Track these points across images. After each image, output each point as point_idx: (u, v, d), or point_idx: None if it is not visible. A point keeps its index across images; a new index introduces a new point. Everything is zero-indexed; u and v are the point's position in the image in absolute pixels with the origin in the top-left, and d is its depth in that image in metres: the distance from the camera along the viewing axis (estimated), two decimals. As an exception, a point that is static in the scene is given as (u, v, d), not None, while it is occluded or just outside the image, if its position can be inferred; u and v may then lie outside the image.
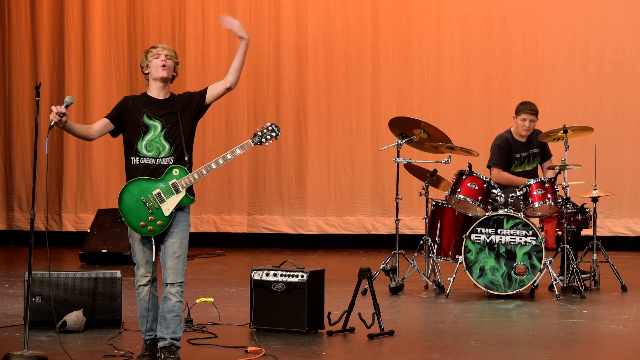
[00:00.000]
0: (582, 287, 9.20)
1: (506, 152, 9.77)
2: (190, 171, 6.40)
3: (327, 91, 13.50)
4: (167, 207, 6.35)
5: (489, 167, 9.85)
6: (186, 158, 6.40)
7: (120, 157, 13.00)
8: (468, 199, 9.36)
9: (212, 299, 8.10)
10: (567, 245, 9.34)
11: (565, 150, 9.45)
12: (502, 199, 9.39)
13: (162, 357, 6.37)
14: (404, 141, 9.76)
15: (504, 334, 7.61)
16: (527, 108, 9.74)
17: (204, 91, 6.50)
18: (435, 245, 9.61)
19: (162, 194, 6.34)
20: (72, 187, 14.04)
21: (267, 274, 7.62)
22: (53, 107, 6.24)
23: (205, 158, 12.46)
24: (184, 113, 6.44)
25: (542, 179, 9.31)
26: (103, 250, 11.85)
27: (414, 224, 12.96)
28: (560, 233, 9.43)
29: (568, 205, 9.40)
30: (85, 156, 13.99)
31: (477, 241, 9.24)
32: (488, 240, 9.23)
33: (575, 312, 8.51)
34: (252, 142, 6.47)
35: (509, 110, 10.25)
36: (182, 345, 6.55)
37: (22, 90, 14.18)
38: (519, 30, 13.00)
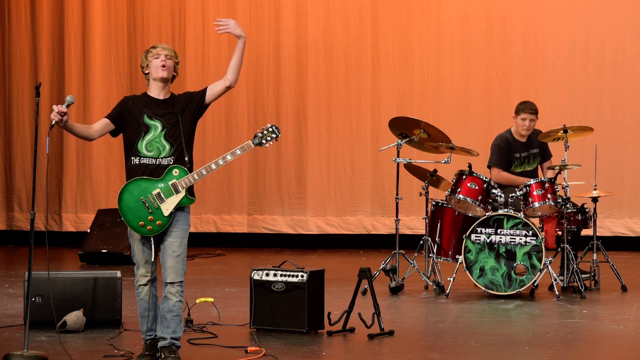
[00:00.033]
0: (582, 287, 9.20)
1: (506, 152, 9.77)
2: (191, 171, 6.40)
3: (327, 91, 13.50)
4: (167, 207, 6.35)
5: (489, 167, 9.85)
6: (186, 158, 6.40)
7: (120, 157, 12.99)
8: (468, 199, 9.36)
9: (212, 299, 8.10)
10: (567, 245, 9.34)
11: (565, 150, 9.45)
12: (502, 199, 9.39)
13: (163, 356, 6.37)
14: (404, 141, 9.76)
15: (504, 334, 7.61)
16: (527, 107, 9.74)
17: (204, 91, 6.50)
18: (435, 245, 9.61)
19: (161, 194, 6.34)
20: (72, 187, 14.04)
21: (267, 274, 7.62)
22: (54, 107, 6.24)
23: (205, 158, 12.46)
24: (184, 113, 6.44)
25: (542, 179, 9.31)
26: (103, 250, 11.85)
27: (414, 224, 12.96)
28: (560, 233, 9.43)
29: (568, 205, 9.40)
30: (85, 156, 14.00)
31: (477, 241, 9.24)
32: (488, 240, 9.23)
33: (575, 312, 8.51)
34: (253, 143, 6.48)
35: (509, 110, 10.26)
36: (182, 345, 6.55)
37: (22, 90, 14.18)
38: (519, 30, 13.00)
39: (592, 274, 9.63)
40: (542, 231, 9.29)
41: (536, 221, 9.42)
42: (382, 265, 9.38)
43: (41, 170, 13.26)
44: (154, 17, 13.85)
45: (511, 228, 9.18)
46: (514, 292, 9.11)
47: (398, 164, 9.79)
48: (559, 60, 12.92)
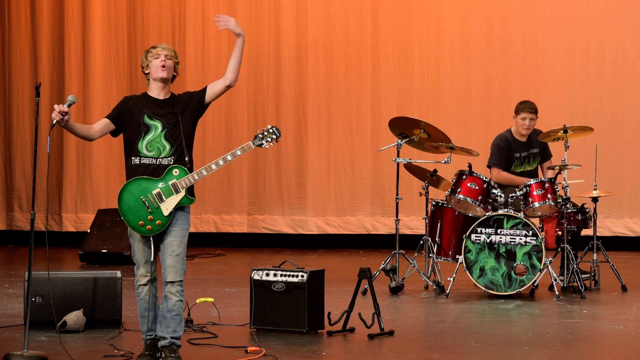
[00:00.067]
0: (582, 287, 9.20)
1: (506, 152, 9.77)
2: (191, 171, 6.41)
3: (327, 91, 13.50)
4: (167, 207, 6.35)
5: (489, 166, 9.85)
6: (186, 158, 6.40)
7: (120, 157, 12.99)
8: (468, 199, 9.35)
9: (212, 299, 8.10)
10: (567, 245, 9.34)
11: (565, 150, 9.45)
12: (502, 199, 9.39)
13: (163, 356, 6.37)
14: (404, 141, 9.76)
15: (504, 334, 7.61)
16: (527, 107, 9.75)
17: (204, 90, 6.51)
18: (435, 245, 9.61)
19: (161, 194, 6.35)
20: (72, 187, 14.04)
21: (267, 274, 7.62)
22: (55, 106, 6.24)
23: (205, 158, 12.46)
24: (184, 113, 6.44)
25: (542, 179, 9.31)
26: (103, 250, 11.85)
27: (414, 224, 12.96)
28: (560, 233, 9.43)
29: (568, 205, 9.40)
30: (85, 156, 14.00)
31: (477, 241, 9.24)
32: (488, 240, 9.23)
33: (575, 312, 8.51)
34: (253, 144, 6.49)
35: (509, 110, 10.26)
36: (182, 345, 6.55)
37: (22, 90, 14.18)
38: (519, 30, 13.00)
39: (592, 274, 9.63)
40: (542, 231, 9.29)
41: (536, 221, 9.41)
42: (382, 265, 9.38)
43: (41, 170, 13.25)
44: (154, 17, 13.85)
45: (511, 228, 9.18)
46: (514, 292, 9.11)
47: (398, 164, 9.79)
48: (559, 60, 12.92)
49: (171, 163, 6.38)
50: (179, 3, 13.79)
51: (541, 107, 10.32)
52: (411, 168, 9.91)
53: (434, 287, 9.46)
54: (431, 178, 9.79)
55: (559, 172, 9.38)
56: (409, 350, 6.98)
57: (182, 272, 6.39)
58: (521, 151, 9.81)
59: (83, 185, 14.02)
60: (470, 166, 9.50)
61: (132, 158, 6.40)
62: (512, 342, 7.31)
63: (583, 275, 9.44)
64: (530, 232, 9.13)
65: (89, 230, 12.24)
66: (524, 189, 9.31)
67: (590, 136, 9.91)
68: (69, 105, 6.30)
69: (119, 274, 7.81)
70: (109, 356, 6.75)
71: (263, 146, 6.50)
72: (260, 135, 6.52)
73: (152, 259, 6.42)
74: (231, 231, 13.78)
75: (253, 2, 13.64)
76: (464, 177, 9.42)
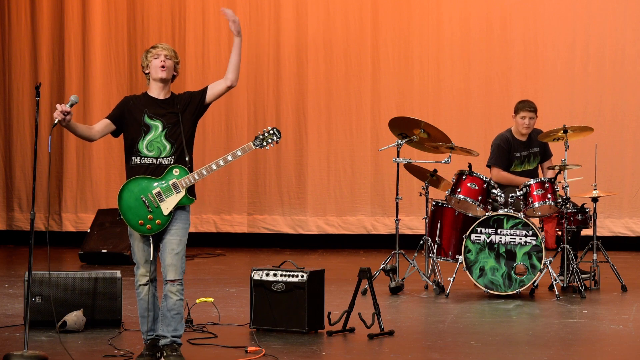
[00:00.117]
0: (582, 287, 9.20)
1: (506, 151, 9.76)
2: (191, 171, 6.41)
3: (327, 91, 13.50)
4: (167, 207, 6.36)
5: (489, 166, 9.84)
6: (187, 158, 6.40)
7: (120, 157, 13.00)
8: (468, 199, 9.35)
9: (212, 299, 8.10)
10: (567, 245, 9.34)
11: (565, 150, 9.45)
12: (502, 199, 9.39)
13: (165, 355, 6.38)
14: (404, 141, 9.76)
15: (504, 334, 7.61)
16: (526, 106, 9.75)
17: (204, 90, 6.51)
18: (435, 245, 9.61)
19: (161, 193, 6.35)
20: (72, 187, 14.04)
21: (267, 274, 7.62)
22: (58, 105, 6.24)
23: (205, 158, 12.46)
24: (184, 113, 6.45)
25: (542, 179, 9.31)
26: (103, 250, 11.85)
27: (414, 224, 12.96)
28: (560, 233, 9.43)
29: (568, 205, 9.41)
30: (85, 156, 13.99)
31: (477, 241, 9.24)
32: (488, 240, 9.23)
33: (575, 312, 8.51)
34: (254, 144, 6.49)
35: (509, 110, 10.25)
36: (182, 345, 6.54)
37: (22, 90, 14.18)
38: (519, 30, 13.00)
39: (592, 274, 9.63)
40: (542, 231, 9.29)
41: (536, 221, 9.41)
42: (382, 265, 9.38)
43: (41, 170, 13.27)
44: (154, 17, 13.85)
45: (511, 228, 9.18)
46: (514, 292, 9.11)
47: (398, 164, 9.79)
48: (559, 60, 12.92)
49: (171, 163, 6.39)
50: (179, 3, 13.79)
51: (541, 107, 10.32)
52: (411, 168, 9.91)
53: (434, 287, 9.46)
54: (431, 178, 9.79)
55: (559, 172, 9.38)
56: (409, 350, 6.98)
57: (182, 270, 6.40)
58: (521, 150, 9.81)
59: (83, 185, 14.02)
60: (470, 166, 9.50)
61: (133, 158, 6.40)
62: (512, 342, 7.31)
63: (583, 275, 9.45)
64: (530, 232, 9.13)
65: (89, 230, 12.24)
66: (524, 189, 9.31)
67: (590, 136, 9.91)
68: (71, 105, 6.30)
69: (119, 274, 7.81)
70: (109, 356, 6.75)
71: (264, 147, 6.51)
72: (261, 137, 6.52)
73: (151, 259, 6.43)
74: (231, 231, 13.78)
75: (253, 2, 13.64)
76: (464, 177, 9.42)
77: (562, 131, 9.42)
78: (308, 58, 13.50)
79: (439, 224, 9.66)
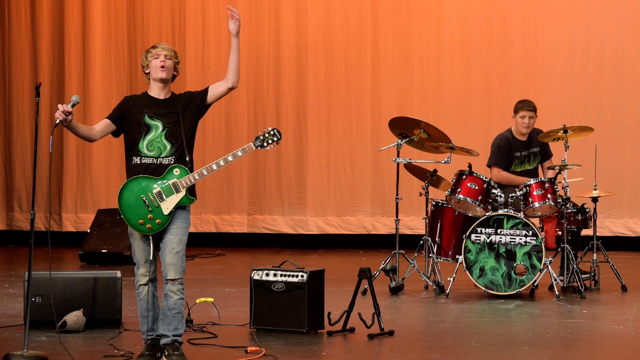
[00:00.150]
0: (582, 287, 9.20)
1: (506, 151, 9.77)
2: (192, 171, 6.41)
3: (327, 91, 13.50)
4: (167, 206, 6.36)
5: (489, 166, 9.85)
6: (187, 158, 6.40)
7: (121, 157, 13.00)
8: (468, 199, 9.36)
9: (212, 299, 8.10)
10: (567, 245, 9.34)
11: (565, 150, 9.45)
12: (502, 199, 9.39)
13: (167, 354, 6.38)
14: (404, 141, 9.76)
15: (504, 334, 7.61)
16: (525, 105, 9.76)
17: (205, 91, 6.51)
18: (435, 245, 9.61)
19: (162, 193, 6.35)
20: (72, 187, 14.04)
21: (267, 274, 7.62)
22: (59, 105, 6.24)
23: (205, 158, 12.46)
24: (185, 113, 6.45)
25: (542, 179, 9.31)
26: (103, 250, 11.85)
27: (414, 224, 12.96)
28: (560, 233, 9.43)
29: (568, 205, 9.41)
30: (85, 156, 13.99)
31: (477, 241, 9.24)
32: (488, 240, 9.23)
33: (575, 312, 8.51)
34: (254, 145, 6.50)
35: (509, 110, 10.25)
36: (182, 345, 6.54)
37: (22, 90, 14.18)
38: (519, 30, 13.01)
39: (592, 274, 9.63)
40: (542, 231, 9.29)
41: (536, 221, 9.42)
42: (382, 265, 9.38)
43: (41, 170, 13.27)
44: (154, 17, 13.85)
45: (511, 228, 9.18)
46: (514, 292, 9.11)
47: (398, 164, 9.79)
48: (559, 60, 12.92)
49: (172, 163, 6.39)
50: (179, 3, 13.80)
51: (541, 107, 10.32)
52: (411, 168, 9.91)
53: (434, 287, 9.45)
54: (431, 178, 9.79)
55: (559, 172, 9.38)
56: (409, 350, 6.98)
57: (182, 270, 6.40)
58: (521, 150, 9.81)
59: (83, 185, 14.02)
60: (470, 166, 9.50)
61: (133, 158, 6.40)
62: (512, 342, 7.31)
63: (583, 275, 9.45)
64: (530, 232, 9.13)
65: (89, 230, 12.23)
66: (524, 189, 9.31)
67: (590, 136, 9.91)
68: (73, 106, 6.30)
69: (119, 274, 7.81)
70: (109, 356, 6.75)
71: (264, 147, 6.52)
72: (262, 137, 6.52)
73: (151, 258, 6.43)
74: (231, 231, 13.78)
75: (253, 2, 13.64)
76: (464, 177, 9.42)
77: (562, 131, 9.42)
78: (308, 58, 13.50)
79: (439, 224, 9.66)
